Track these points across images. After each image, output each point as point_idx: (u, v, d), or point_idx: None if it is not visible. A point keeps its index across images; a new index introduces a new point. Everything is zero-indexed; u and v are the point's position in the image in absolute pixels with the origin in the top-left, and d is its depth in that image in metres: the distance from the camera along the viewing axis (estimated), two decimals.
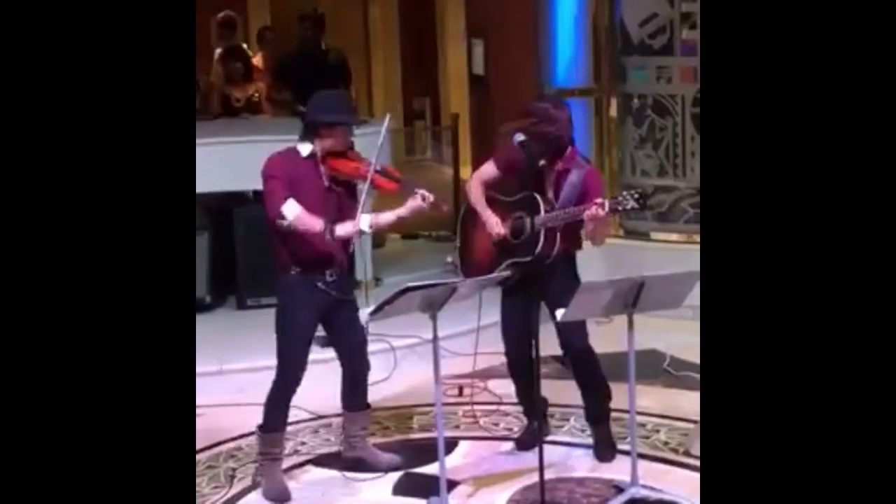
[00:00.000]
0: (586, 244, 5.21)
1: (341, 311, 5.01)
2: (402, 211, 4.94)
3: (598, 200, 4.86)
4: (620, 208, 4.88)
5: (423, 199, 4.85)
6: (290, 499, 4.95)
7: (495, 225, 5.10)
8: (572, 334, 5.07)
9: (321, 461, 5.33)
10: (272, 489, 4.97)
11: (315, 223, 4.77)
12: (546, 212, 4.97)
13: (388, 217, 4.98)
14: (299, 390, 5.09)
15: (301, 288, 4.89)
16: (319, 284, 4.89)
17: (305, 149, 4.90)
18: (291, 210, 4.75)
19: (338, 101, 5.13)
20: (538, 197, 4.96)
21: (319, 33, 9.37)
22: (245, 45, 10.15)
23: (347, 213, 4.88)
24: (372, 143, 5.04)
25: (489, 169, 5.24)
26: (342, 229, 4.81)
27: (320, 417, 5.69)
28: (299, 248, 4.87)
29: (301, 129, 4.97)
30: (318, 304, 4.92)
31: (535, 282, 4.84)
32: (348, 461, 5.22)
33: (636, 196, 4.83)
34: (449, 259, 5.41)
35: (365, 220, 4.87)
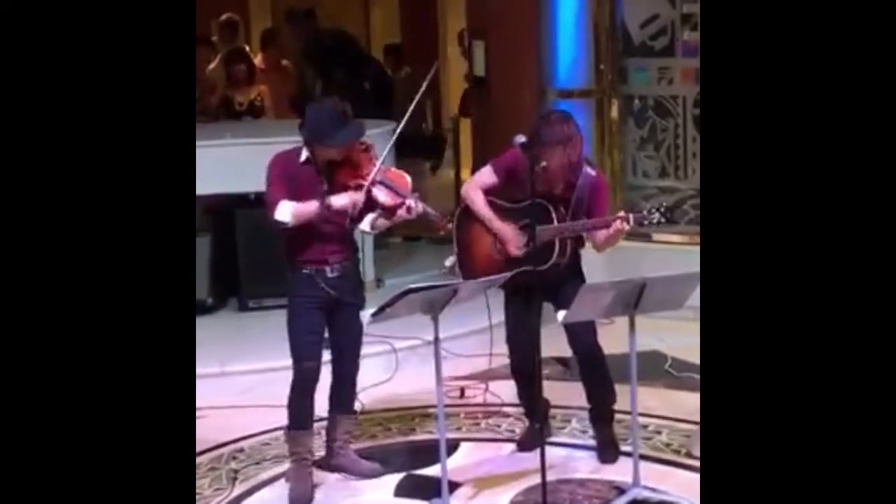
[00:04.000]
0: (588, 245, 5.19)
1: (341, 312, 4.99)
2: (397, 219, 4.99)
3: (622, 214, 4.83)
4: (646, 223, 4.85)
5: (409, 210, 4.84)
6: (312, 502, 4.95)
7: (513, 243, 5.00)
8: (581, 332, 5.05)
9: (323, 463, 5.31)
10: (296, 491, 4.96)
11: (310, 207, 4.78)
12: (558, 220, 4.94)
13: (385, 222, 5.02)
14: None
15: (303, 284, 4.90)
16: (319, 281, 4.89)
17: (304, 154, 4.90)
18: (284, 213, 4.76)
19: (332, 115, 4.89)
20: (549, 205, 4.93)
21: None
22: (248, 48, 10.17)
23: (346, 217, 4.89)
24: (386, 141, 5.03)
25: (488, 176, 5.14)
26: (338, 200, 4.80)
27: (323, 419, 5.68)
28: (298, 245, 4.89)
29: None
30: (320, 301, 4.92)
31: (540, 285, 4.82)
32: (329, 468, 5.18)
33: (662, 209, 4.81)
34: (447, 264, 5.34)
35: (367, 220, 4.91)
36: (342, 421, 5.18)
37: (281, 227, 4.80)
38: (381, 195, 4.87)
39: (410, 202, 4.84)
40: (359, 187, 4.84)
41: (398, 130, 5.26)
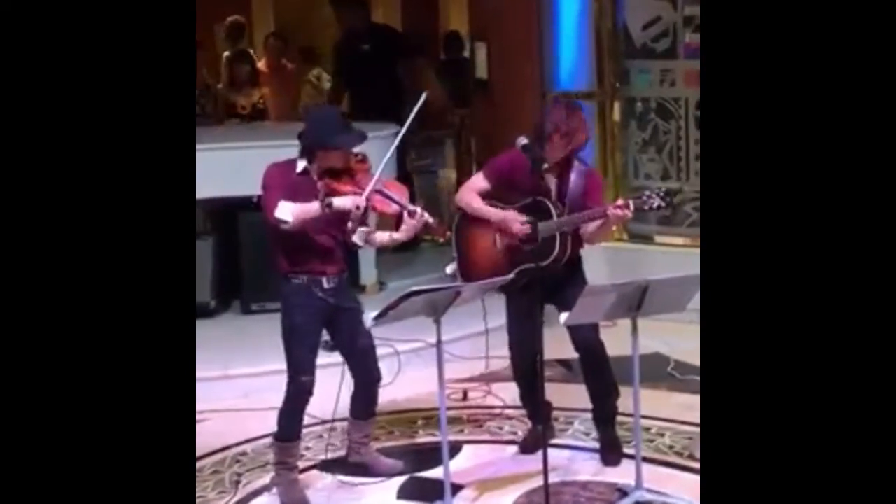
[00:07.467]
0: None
1: (343, 318, 4.96)
2: (398, 235, 4.92)
3: (621, 202, 4.82)
4: (647, 207, 4.81)
5: (416, 218, 4.73)
6: None
7: (516, 222, 4.99)
8: (583, 328, 5.03)
9: (326, 466, 5.32)
10: (291, 497, 4.95)
11: (311, 206, 4.68)
12: (558, 215, 4.95)
13: (382, 237, 4.99)
14: None
15: (300, 295, 4.86)
16: (317, 291, 4.86)
17: (300, 165, 4.84)
18: (285, 212, 4.69)
19: (335, 120, 4.94)
20: (548, 201, 4.93)
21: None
22: (251, 51, 10.18)
23: (344, 227, 4.83)
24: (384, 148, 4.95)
25: (479, 181, 5.17)
26: (340, 201, 4.69)
27: (325, 422, 5.68)
28: (295, 255, 4.83)
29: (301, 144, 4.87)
30: (318, 311, 4.88)
31: (541, 285, 4.83)
32: (352, 465, 5.22)
33: (661, 194, 4.79)
34: (448, 271, 5.33)
35: (360, 234, 4.86)
36: (362, 425, 5.20)
37: (281, 224, 4.69)
38: (381, 205, 4.80)
39: (418, 210, 4.75)
40: (357, 196, 4.75)
41: (398, 138, 5.15)
